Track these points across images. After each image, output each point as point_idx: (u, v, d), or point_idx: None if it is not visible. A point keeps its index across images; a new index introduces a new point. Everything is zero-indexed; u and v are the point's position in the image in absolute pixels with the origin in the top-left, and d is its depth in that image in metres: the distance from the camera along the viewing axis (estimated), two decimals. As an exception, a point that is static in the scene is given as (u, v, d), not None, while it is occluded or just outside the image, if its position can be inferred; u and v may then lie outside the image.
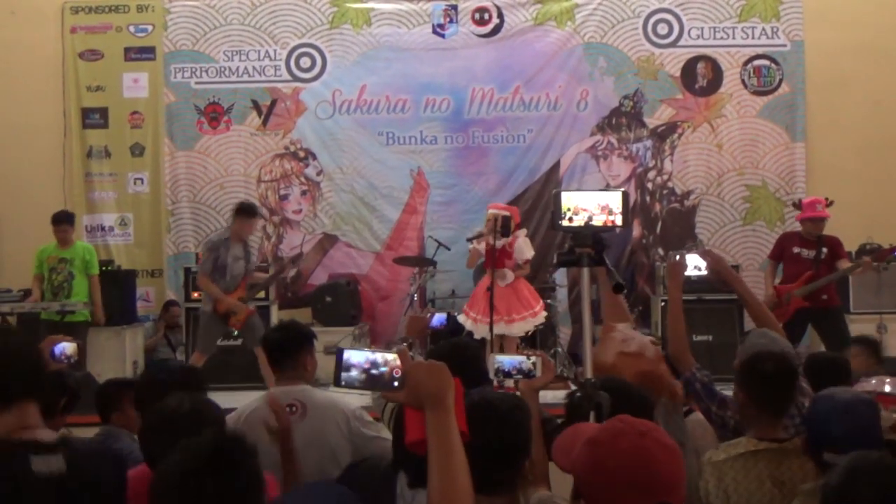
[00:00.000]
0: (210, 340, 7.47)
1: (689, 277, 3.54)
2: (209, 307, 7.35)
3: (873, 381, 3.42)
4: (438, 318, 5.12)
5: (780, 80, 9.73)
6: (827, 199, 7.45)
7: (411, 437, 1.81)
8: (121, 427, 3.74)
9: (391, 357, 1.89)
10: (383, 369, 1.89)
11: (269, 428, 3.22)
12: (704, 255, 3.67)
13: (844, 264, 7.33)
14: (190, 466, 1.81)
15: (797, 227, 7.85)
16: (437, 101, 9.78)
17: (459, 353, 3.09)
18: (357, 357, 1.93)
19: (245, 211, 7.46)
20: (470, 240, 7.68)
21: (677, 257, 3.45)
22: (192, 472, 1.80)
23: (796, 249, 7.46)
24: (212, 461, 1.82)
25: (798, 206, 8.04)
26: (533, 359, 2.85)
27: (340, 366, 1.92)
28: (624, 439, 1.72)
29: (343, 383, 1.92)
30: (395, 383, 1.87)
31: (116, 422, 3.78)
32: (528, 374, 2.79)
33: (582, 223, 2.14)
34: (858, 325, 7.94)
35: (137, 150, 9.78)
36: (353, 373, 1.92)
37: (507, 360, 2.89)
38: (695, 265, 3.57)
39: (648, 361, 2.91)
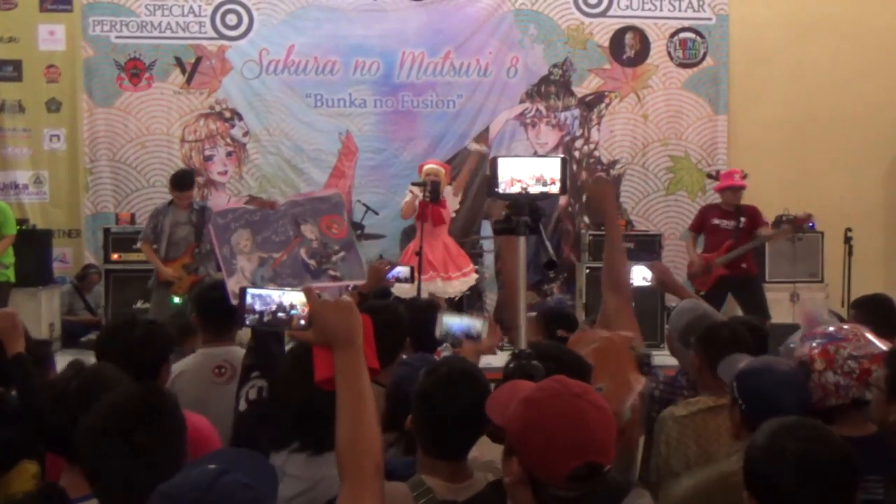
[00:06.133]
0: (158, 309, 7.08)
1: (636, 288, 3.72)
2: (154, 275, 7.34)
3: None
4: (398, 271, 4.92)
5: (705, 54, 9.90)
6: (742, 172, 7.69)
7: (320, 375, 1.81)
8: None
9: (297, 296, 1.83)
10: (293, 311, 1.83)
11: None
12: (651, 267, 3.85)
13: (766, 231, 7.57)
14: (119, 418, 1.93)
15: (717, 199, 8.06)
16: (366, 63, 9.65)
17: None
18: (261, 297, 1.85)
19: (172, 182, 7.48)
20: (415, 184, 7.37)
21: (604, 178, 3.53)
22: (120, 423, 1.91)
23: (716, 221, 7.68)
24: (140, 411, 1.95)
25: (715, 177, 8.26)
26: (482, 322, 2.82)
27: (244, 307, 1.85)
28: (559, 399, 1.74)
29: (247, 323, 1.87)
30: (303, 322, 1.82)
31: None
32: (476, 338, 2.75)
33: (517, 191, 2.14)
34: (774, 294, 8.23)
35: (54, 106, 9.41)
36: (258, 313, 1.85)
37: (455, 324, 2.84)
38: (642, 276, 3.76)
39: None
